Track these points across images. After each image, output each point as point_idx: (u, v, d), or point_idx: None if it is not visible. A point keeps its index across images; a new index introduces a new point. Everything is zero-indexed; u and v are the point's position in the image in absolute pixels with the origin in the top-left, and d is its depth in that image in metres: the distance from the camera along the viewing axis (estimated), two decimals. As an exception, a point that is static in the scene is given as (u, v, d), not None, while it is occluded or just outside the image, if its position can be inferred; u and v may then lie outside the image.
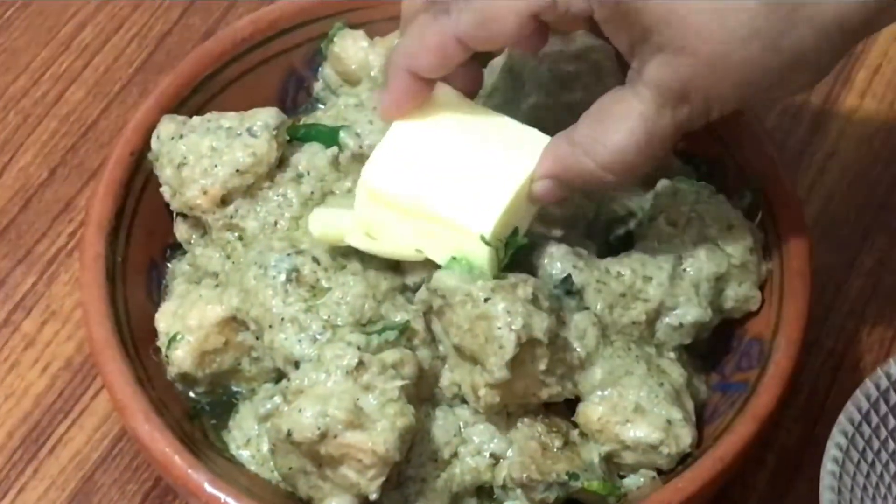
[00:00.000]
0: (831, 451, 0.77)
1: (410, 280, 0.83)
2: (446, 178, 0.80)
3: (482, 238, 0.79)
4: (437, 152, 0.81)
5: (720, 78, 0.73)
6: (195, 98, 0.90)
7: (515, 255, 0.81)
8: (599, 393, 0.81)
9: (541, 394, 0.80)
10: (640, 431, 0.80)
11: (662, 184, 0.87)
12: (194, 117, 0.88)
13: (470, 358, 0.79)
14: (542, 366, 0.78)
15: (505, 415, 0.80)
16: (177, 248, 0.89)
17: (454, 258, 0.80)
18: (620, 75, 0.89)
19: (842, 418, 0.78)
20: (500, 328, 0.77)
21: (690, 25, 0.71)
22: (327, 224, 0.83)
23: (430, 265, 0.82)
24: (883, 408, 0.80)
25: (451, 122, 0.82)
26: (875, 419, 0.79)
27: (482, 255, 0.80)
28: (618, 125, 0.76)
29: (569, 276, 0.82)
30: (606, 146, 0.76)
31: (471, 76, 0.83)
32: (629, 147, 0.76)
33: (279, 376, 0.83)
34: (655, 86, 0.74)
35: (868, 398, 0.79)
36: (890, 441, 0.79)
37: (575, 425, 0.82)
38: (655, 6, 0.72)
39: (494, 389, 0.78)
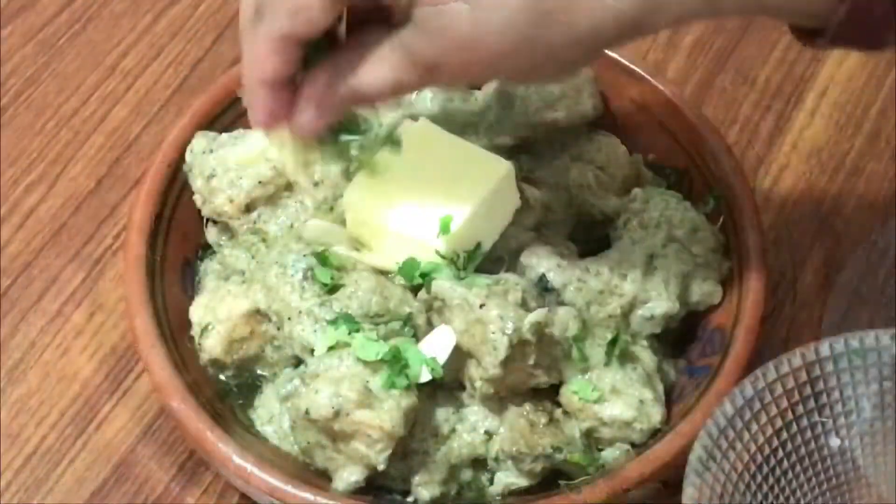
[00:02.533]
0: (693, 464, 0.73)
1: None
2: (414, 202, 0.81)
3: (437, 252, 0.80)
4: (410, 179, 0.82)
5: (470, 60, 0.70)
6: (224, 117, 0.90)
7: (480, 265, 0.82)
8: (580, 377, 0.81)
9: (530, 383, 0.80)
10: (615, 410, 0.80)
11: (636, 192, 0.87)
12: (223, 134, 0.88)
13: (467, 354, 0.79)
14: (532, 360, 0.78)
15: (497, 398, 0.80)
16: (208, 249, 0.89)
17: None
18: (599, 97, 0.90)
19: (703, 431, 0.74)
20: (493, 333, 0.77)
21: (448, 11, 0.68)
22: (319, 234, 0.83)
23: None
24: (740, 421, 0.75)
25: (422, 151, 0.83)
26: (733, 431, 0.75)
27: (441, 265, 0.81)
28: (373, 67, 0.72)
29: (543, 276, 0.82)
30: (362, 82, 0.72)
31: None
32: (376, 89, 0.73)
33: (298, 362, 0.82)
34: (410, 52, 0.70)
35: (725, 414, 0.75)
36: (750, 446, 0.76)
37: (558, 405, 0.82)
38: None
39: (489, 383, 0.78)
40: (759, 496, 0.74)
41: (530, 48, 0.69)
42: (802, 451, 0.75)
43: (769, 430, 0.74)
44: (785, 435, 0.75)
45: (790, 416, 0.75)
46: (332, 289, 0.81)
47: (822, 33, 0.71)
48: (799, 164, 1.00)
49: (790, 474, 0.75)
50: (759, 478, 0.74)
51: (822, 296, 0.94)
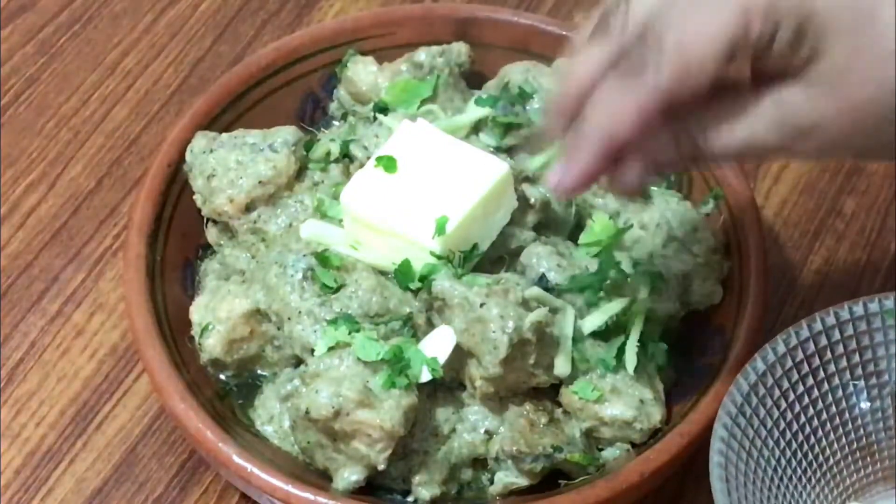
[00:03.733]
0: (717, 444, 0.73)
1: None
2: (411, 202, 0.81)
3: (431, 252, 0.80)
4: (406, 179, 0.82)
5: (855, 124, 0.61)
6: (224, 117, 0.90)
7: (479, 265, 0.82)
8: (581, 376, 0.81)
9: (530, 382, 0.80)
10: (616, 410, 0.80)
11: (636, 192, 0.87)
12: (223, 134, 0.88)
13: (467, 353, 0.79)
14: (532, 360, 0.78)
15: (497, 398, 0.80)
16: (208, 249, 0.89)
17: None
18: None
19: (721, 412, 0.74)
20: (494, 331, 0.77)
21: (857, 71, 0.59)
22: (317, 234, 0.83)
23: None
24: (756, 397, 0.75)
25: (421, 153, 0.83)
26: (755, 401, 0.75)
27: (438, 266, 0.80)
28: (732, 127, 0.64)
29: (543, 276, 0.82)
30: (718, 143, 0.65)
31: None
32: (732, 150, 0.65)
33: (298, 362, 0.83)
34: (787, 111, 0.62)
35: (741, 392, 0.75)
36: (769, 420, 0.75)
37: (559, 404, 0.82)
38: (836, 26, 0.59)
39: (489, 382, 0.78)
40: (788, 453, 0.74)
41: None
42: (833, 410, 0.75)
43: (800, 389, 0.74)
44: (816, 394, 0.75)
45: (821, 375, 0.75)
46: (334, 289, 0.81)
47: None
48: (799, 165, 1.00)
49: (819, 433, 0.75)
50: (788, 436, 0.74)
51: (822, 295, 0.94)
